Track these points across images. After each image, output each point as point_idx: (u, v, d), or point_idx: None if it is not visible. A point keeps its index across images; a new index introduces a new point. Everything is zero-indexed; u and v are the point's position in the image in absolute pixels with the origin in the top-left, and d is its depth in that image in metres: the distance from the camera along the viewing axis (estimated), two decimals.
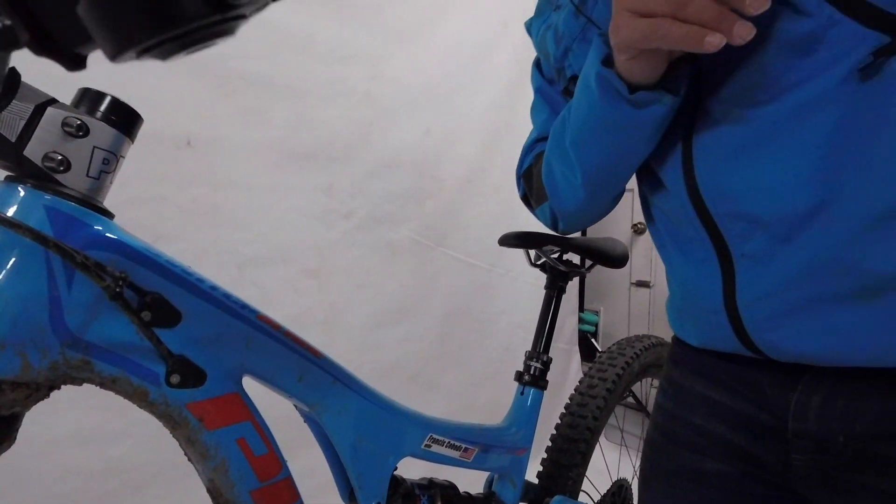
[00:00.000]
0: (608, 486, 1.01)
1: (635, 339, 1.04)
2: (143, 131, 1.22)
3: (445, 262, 1.76)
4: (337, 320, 1.48)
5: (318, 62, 1.40)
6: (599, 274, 2.62)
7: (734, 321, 0.43)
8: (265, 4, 0.17)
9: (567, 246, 0.83)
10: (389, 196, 1.59)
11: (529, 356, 0.81)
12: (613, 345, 1.02)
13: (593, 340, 2.41)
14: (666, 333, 2.48)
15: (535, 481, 0.85)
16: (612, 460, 1.40)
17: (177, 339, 0.36)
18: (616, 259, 0.84)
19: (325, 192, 1.45)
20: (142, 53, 0.16)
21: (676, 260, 0.49)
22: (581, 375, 0.98)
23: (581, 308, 2.38)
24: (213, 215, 1.23)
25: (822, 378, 0.42)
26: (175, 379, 0.36)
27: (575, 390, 0.93)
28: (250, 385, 0.47)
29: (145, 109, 1.18)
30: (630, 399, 2.32)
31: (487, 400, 1.87)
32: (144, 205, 1.12)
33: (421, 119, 1.65)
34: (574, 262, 0.87)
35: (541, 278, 2.11)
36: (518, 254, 2.10)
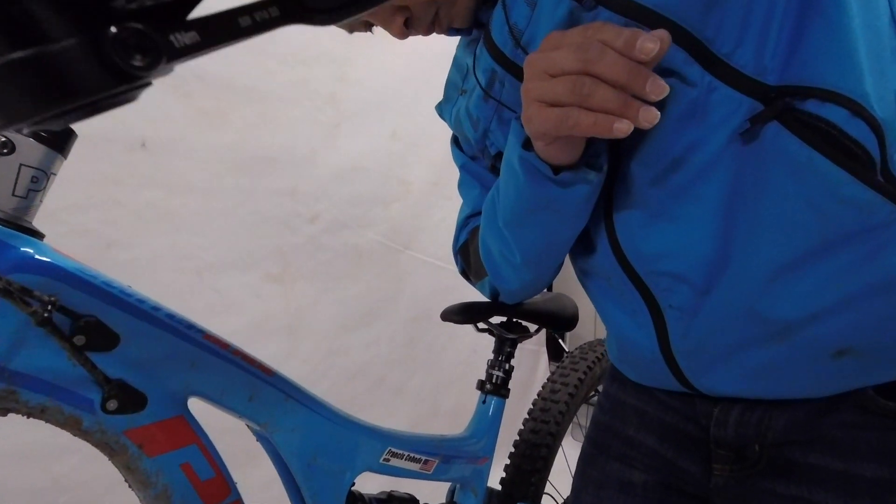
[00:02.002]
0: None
1: (597, 342, 1.05)
2: (94, 133, 1.17)
3: (413, 265, 1.76)
4: (302, 325, 1.45)
5: (279, 63, 1.37)
6: (567, 274, 2.65)
7: (673, 368, 0.46)
8: (171, 70, 0.16)
9: (514, 313, 0.81)
10: (355, 199, 1.57)
11: (491, 365, 0.81)
12: (576, 349, 1.04)
13: (561, 342, 2.44)
14: None
15: (499, 487, 0.85)
16: (576, 459, 1.42)
17: (114, 363, 0.35)
18: (565, 321, 0.82)
19: (288, 196, 1.42)
20: (37, 124, 0.15)
21: (611, 312, 0.51)
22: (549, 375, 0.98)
23: None
24: (170, 220, 1.19)
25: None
26: (112, 405, 0.34)
27: (538, 395, 0.94)
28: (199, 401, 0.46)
29: None
30: (595, 398, 2.36)
31: (454, 403, 1.87)
32: (95, 209, 1.07)
33: (387, 122, 1.64)
34: (523, 324, 0.84)
35: None
36: None
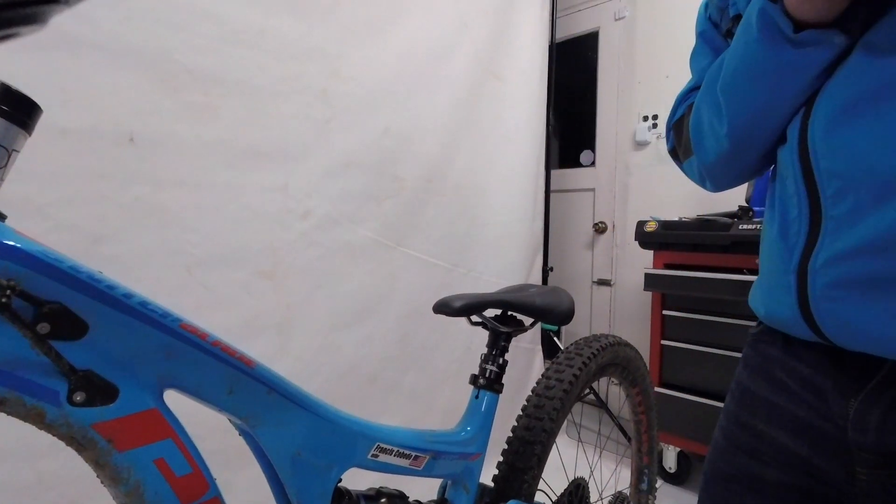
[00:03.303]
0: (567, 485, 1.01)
1: (592, 338, 1.04)
2: (81, 127, 1.15)
3: (405, 261, 1.74)
4: (293, 322, 1.44)
5: (271, 58, 1.36)
6: (562, 273, 2.64)
7: (801, 285, 0.42)
8: None
9: (507, 306, 0.79)
10: (348, 196, 1.56)
11: (485, 359, 0.80)
12: (571, 345, 1.02)
13: (556, 339, 2.43)
14: (627, 331, 2.53)
15: (492, 484, 0.84)
16: (570, 457, 1.41)
17: (82, 353, 0.33)
18: (560, 315, 0.81)
19: (280, 192, 1.40)
20: None
21: (773, 219, 0.48)
22: None
23: None
24: (159, 215, 1.17)
25: (884, 389, 0.41)
26: (79, 397, 0.32)
27: (532, 391, 0.93)
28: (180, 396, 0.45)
29: (82, 104, 1.11)
30: (590, 396, 2.35)
31: (448, 401, 1.86)
32: (82, 204, 1.06)
33: (380, 118, 1.63)
34: (518, 317, 0.83)
35: (504, 275, 2.11)
36: (480, 252, 2.09)
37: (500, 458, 0.86)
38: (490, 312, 0.78)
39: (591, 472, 1.12)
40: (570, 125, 2.81)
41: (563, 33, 2.62)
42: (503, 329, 0.78)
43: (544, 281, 2.37)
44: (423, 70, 1.75)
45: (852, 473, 0.44)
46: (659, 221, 1.90)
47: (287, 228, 1.42)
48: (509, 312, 0.80)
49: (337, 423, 0.50)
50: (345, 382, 1.56)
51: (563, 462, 1.08)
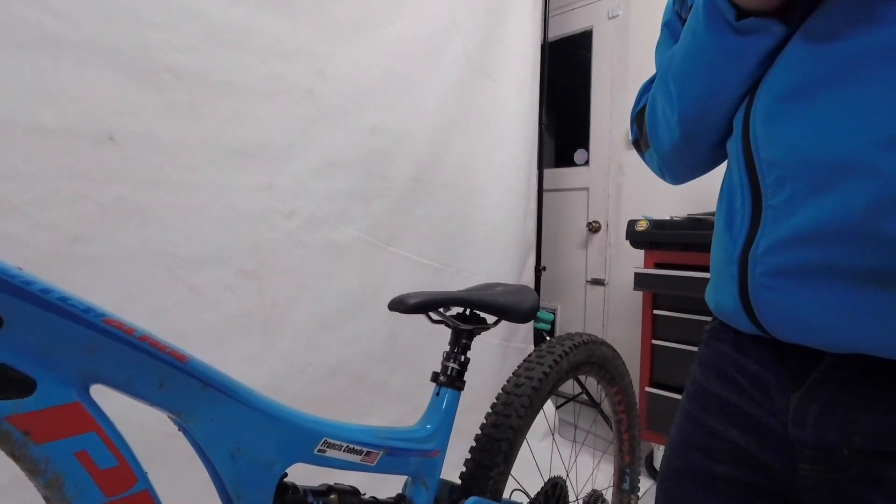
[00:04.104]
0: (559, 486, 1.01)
1: (566, 337, 1.04)
2: (59, 126, 1.15)
3: (394, 261, 1.74)
4: (278, 322, 1.44)
5: (255, 57, 1.37)
6: (555, 273, 2.63)
7: (742, 274, 0.43)
8: None
9: (467, 304, 0.79)
10: (335, 195, 1.56)
11: (447, 357, 0.80)
12: (543, 343, 1.02)
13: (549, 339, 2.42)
14: (620, 331, 2.51)
15: (459, 481, 0.84)
16: (564, 457, 1.41)
17: None
18: (521, 314, 0.80)
19: (265, 191, 1.41)
20: None
21: (721, 210, 0.48)
22: None
23: None
24: (140, 215, 1.18)
25: (822, 384, 0.41)
26: None
27: (502, 389, 0.93)
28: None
29: (62, 103, 1.12)
30: (583, 396, 2.34)
31: None
32: (61, 204, 1.07)
33: (367, 117, 1.63)
34: (481, 315, 0.82)
35: (494, 275, 2.11)
36: (471, 252, 2.09)
37: (468, 456, 0.86)
38: (456, 310, 0.78)
39: (568, 472, 1.12)
40: (564, 124, 2.81)
41: (556, 32, 2.61)
42: (463, 326, 0.78)
43: (537, 280, 2.37)
44: (413, 69, 1.75)
45: (796, 469, 0.44)
46: (650, 221, 1.89)
47: (272, 228, 1.43)
48: (470, 311, 0.80)
49: (278, 418, 0.51)
50: (331, 382, 1.56)
51: (537, 461, 1.08)
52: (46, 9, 1.03)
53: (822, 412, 0.41)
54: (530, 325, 2.32)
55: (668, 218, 1.91)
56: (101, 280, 1.12)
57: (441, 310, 0.76)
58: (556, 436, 2.04)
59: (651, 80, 0.60)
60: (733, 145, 0.46)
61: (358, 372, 1.63)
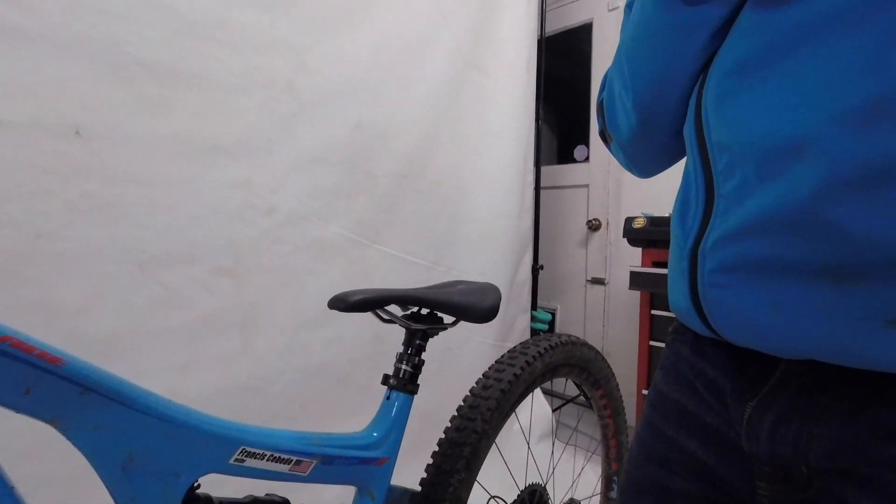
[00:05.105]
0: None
1: (543, 337, 0.99)
2: (20, 120, 1.12)
3: (381, 259, 1.70)
4: (257, 321, 1.41)
5: (230, 50, 1.33)
6: (554, 272, 2.57)
7: (692, 270, 0.39)
8: None
9: (418, 302, 0.73)
10: (316, 192, 1.52)
11: (399, 358, 0.75)
12: (518, 344, 0.97)
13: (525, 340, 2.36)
14: (621, 331, 2.44)
15: (419, 488, 0.79)
16: (566, 461, 1.35)
17: None
18: (480, 313, 0.74)
19: (242, 187, 1.38)
20: None
21: (677, 201, 0.45)
22: None
23: (534, 306, 2.33)
24: (108, 211, 1.15)
25: (778, 392, 0.37)
26: None
27: (470, 391, 0.88)
28: None
29: (23, 96, 1.09)
30: (582, 398, 2.28)
31: (426, 401, 1.80)
32: (23, 200, 1.04)
33: (351, 112, 1.59)
34: (438, 314, 0.77)
35: (487, 274, 2.05)
36: (462, 250, 2.04)
37: (430, 461, 0.81)
38: (405, 311, 0.73)
39: (545, 480, 1.06)
40: (564, 120, 2.74)
41: (555, 26, 2.55)
42: (415, 326, 0.73)
43: (534, 279, 2.31)
44: (399, 63, 1.71)
45: (752, 487, 0.40)
46: (648, 217, 1.83)
47: (250, 225, 1.39)
48: (428, 310, 0.75)
49: (182, 425, 0.46)
50: (314, 383, 1.52)
51: (510, 467, 1.02)
52: (8, 0, 1.01)
53: (776, 424, 0.37)
54: (527, 325, 2.27)
55: (666, 215, 1.85)
56: (65, 277, 1.09)
57: (395, 309, 0.72)
58: (555, 439, 1.99)
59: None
60: (687, 128, 0.42)
61: (342, 372, 1.59)
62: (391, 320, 0.74)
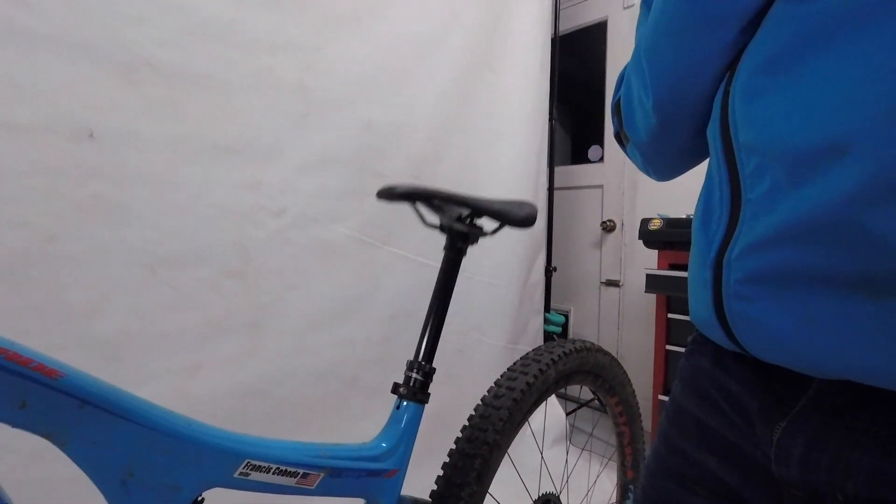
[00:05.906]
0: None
1: (557, 343, 0.96)
2: (34, 122, 1.12)
3: (391, 261, 1.68)
4: (266, 323, 1.40)
5: (240, 51, 1.32)
6: (568, 274, 2.54)
7: (716, 281, 0.36)
8: None
9: (461, 202, 0.76)
10: (326, 193, 1.51)
11: (409, 366, 0.74)
12: (531, 350, 0.94)
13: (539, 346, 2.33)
14: (636, 334, 2.40)
15: (430, 500, 0.77)
16: (581, 468, 1.32)
17: None
18: (520, 218, 0.76)
19: (251, 189, 1.37)
20: None
21: (699, 206, 0.42)
22: None
23: (547, 308, 2.30)
24: (119, 213, 1.15)
25: (810, 414, 0.34)
26: None
27: (481, 400, 0.85)
28: None
29: (35, 98, 1.08)
30: (596, 402, 2.24)
31: (438, 404, 1.78)
32: (35, 202, 1.04)
33: (361, 112, 1.58)
34: (477, 224, 0.79)
35: (499, 276, 2.03)
36: (473, 251, 2.02)
37: (440, 472, 0.79)
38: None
39: (559, 489, 1.04)
40: (578, 120, 2.71)
41: (568, 24, 2.52)
42: (458, 227, 0.75)
43: (547, 282, 2.28)
44: (409, 63, 1.69)
45: None
46: (665, 219, 1.79)
47: (259, 227, 1.38)
48: (467, 217, 0.77)
49: (183, 438, 0.45)
50: (322, 385, 1.51)
51: (522, 478, 1.00)
52: (18, 3, 1.01)
53: (809, 448, 0.34)
54: (540, 327, 2.24)
55: (683, 216, 1.81)
56: (78, 279, 1.09)
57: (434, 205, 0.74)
58: (569, 444, 1.96)
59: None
60: (712, 129, 0.39)
61: (351, 374, 1.57)
62: (434, 225, 0.76)
